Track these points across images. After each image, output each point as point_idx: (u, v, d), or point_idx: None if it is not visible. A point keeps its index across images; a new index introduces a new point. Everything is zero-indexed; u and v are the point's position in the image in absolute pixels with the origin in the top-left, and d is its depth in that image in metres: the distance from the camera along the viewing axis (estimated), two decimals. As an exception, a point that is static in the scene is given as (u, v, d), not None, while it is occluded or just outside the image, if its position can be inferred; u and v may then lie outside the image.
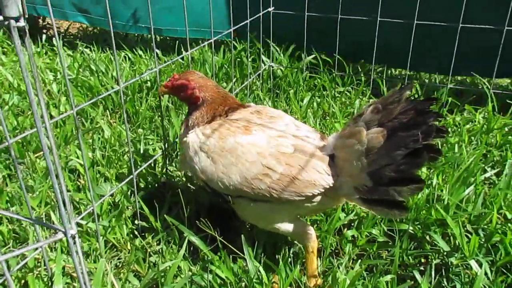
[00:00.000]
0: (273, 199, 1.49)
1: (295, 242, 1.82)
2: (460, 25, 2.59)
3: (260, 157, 1.48)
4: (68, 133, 2.39)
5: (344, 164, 1.43)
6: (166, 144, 2.07)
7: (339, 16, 2.87)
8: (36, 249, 1.44)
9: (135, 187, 1.81)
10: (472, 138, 2.58)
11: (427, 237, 1.85)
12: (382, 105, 1.34)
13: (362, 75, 3.32)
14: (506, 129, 2.61)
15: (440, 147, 1.28)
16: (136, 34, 4.50)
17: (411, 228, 1.83)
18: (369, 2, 3.07)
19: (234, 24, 2.51)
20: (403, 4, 2.85)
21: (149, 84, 3.05)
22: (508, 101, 2.94)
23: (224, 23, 3.61)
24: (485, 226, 1.87)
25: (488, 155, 2.48)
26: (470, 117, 2.87)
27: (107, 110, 2.88)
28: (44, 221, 1.83)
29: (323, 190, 1.47)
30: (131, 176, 1.76)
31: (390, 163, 1.31)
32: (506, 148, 2.45)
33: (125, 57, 3.70)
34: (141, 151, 2.26)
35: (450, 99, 3.02)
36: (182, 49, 3.90)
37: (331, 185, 1.46)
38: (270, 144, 1.51)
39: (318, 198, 1.51)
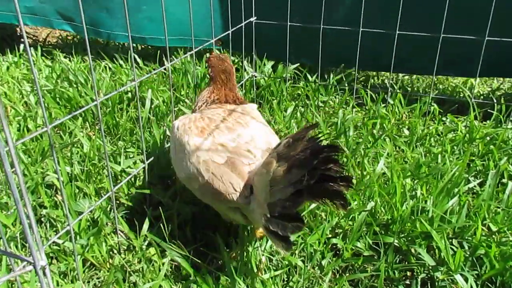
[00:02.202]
0: (201, 198, 1.69)
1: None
2: (442, 35, 2.60)
3: (197, 161, 1.62)
4: (46, 147, 2.32)
5: (257, 190, 1.46)
6: (147, 157, 2.02)
7: (321, 26, 2.86)
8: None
9: (114, 203, 1.75)
10: (455, 147, 2.59)
11: (412, 250, 1.84)
12: (292, 140, 1.34)
13: (346, 84, 3.31)
14: (488, 138, 2.62)
15: (345, 197, 1.29)
16: (117, 43, 4.44)
17: (396, 241, 1.81)
18: (352, 13, 3.08)
19: (217, 34, 2.47)
20: (386, 15, 2.87)
21: (130, 95, 2.99)
22: (489, 110, 2.97)
23: (208, 31, 3.58)
24: (470, 238, 1.86)
25: (471, 165, 2.49)
26: (452, 126, 2.88)
27: (87, 122, 2.81)
28: (19, 240, 1.76)
29: (236, 205, 1.56)
30: (110, 193, 1.70)
31: (283, 197, 1.32)
32: (488, 158, 2.47)
33: (105, 66, 3.63)
34: (121, 164, 2.21)
35: (433, 108, 3.04)
36: (164, 58, 3.86)
37: (243, 203, 1.52)
38: (209, 152, 1.63)
39: (237, 211, 1.61)
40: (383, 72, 3.92)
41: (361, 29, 2.74)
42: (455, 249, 1.80)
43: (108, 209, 1.97)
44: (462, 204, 1.98)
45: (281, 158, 1.33)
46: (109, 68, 3.61)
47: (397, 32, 2.69)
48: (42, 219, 1.94)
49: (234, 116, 1.81)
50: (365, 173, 2.26)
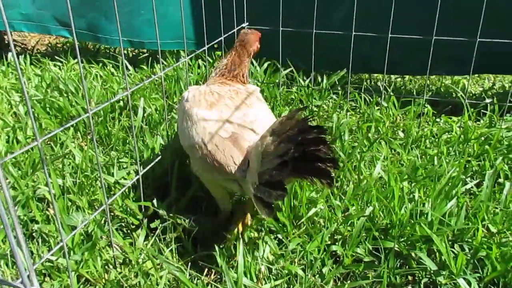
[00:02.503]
0: (201, 167, 1.77)
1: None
2: (434, 37, 2.60)
3: (202, 132, 1.74)
4: (36, 159, 2.27)
5: (251, 162, 1.59)
6: (141, 167, 1.98)
7: (314, 30, 2.84)
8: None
9: (108, 216, 1.71)
10: (450, 148, 2.58)
11: (413, 254, 1.82)
12: (285, 118, 1.48)
13: (339, 88, 3.30)
14: (482, 138, 2.62)
15: (332, 176, 1.43)
16: (107, 50, 4.39)
17: (396, 246, 1.79)
18: (346, 18, 3.08)
19: (209, 38, 2.44)
20: (379, 19, 2.86)
21: (121, 103, 2.95)
22: (483, 111, 2.97)
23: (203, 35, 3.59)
24: (469, 240, 1.85)
25: (467, 166, 2.48)
26: (447, 127, 2.88)
27: (78, 132, 2.76)
28: (9, 259, 1.71)
29: (233, 177, 1.67)
30: (104, 206, 1.66)
31: (270, 167, 1.46)
32: (483, 158, 2.46)
33: (96, 74, 3.58)
34: (114, 176, 2.16)
35: (426, 109, 3.03)
36: (155, 63, 3.82)
37: (240, 176, 1.64)
38: (215, 125, 1.74)
39: (234, 182, 1.71)
40: (375, 75, 3.91)
41: (353, 33, 2.73)
42: (455, 252, 1.78)
43: (102, 222, 1.93)
44: (460, 206, 1.96)
45: (274, 133, 1.46)
46: (100, 76, 3.57)
47: (389, 35, 2.68)
48: (34, 234, 1.89)
49: (241, 96, 1.94)
50: (361, 177, 2.24)
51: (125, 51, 4.44)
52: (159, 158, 2.08)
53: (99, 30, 3.94)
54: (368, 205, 2.05)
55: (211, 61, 3.64)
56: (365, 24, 2.83)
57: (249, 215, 2.00)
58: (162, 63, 3.78)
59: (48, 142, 2.57)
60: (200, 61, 3.72)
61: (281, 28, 2.93)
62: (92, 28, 3.97)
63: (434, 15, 2.53)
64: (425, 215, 1.95)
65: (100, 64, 3.82)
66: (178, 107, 1.96)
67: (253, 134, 1.73)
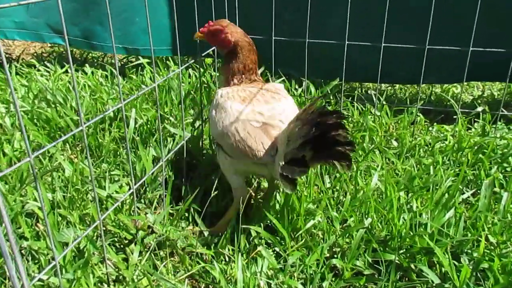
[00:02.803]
0: (231, 152, 1.90)
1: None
2: (427, 46, 2.60)
3: (236, 121, 1.89)
4: (24, 172, 2.20)
5: (279, 145, 1.77)
6: (134, 180, 1.93)
7: (307, 40, 2.83)
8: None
9: (102, 233, 1.65)
10: (444, 158, 2.57)
11: (412, 266, 1.79)
12: (308, 106, 1.67)
13: (331, 97, 3.29)
14: (476, 147, 2.62)
15: (350, 158, 1.60)
16: (94, 60, 4.33)
17: (396, 258, 1.76)
18: (339, 26, 3.07)
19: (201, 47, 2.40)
20: (371, 28, 2.86)
21: (112, 114, 2.89)
22: (475, 119, 2.98)
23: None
24: (469, 251, 1.83)
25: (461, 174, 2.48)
26: (440, 136, 2.88)
27: (67, 144, 2.69)
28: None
29: (262, 161, 1.82)
30: (97, 222, 1.60)
31: (294, 147, 1.64)
32: (478, 167, 2.46)
33: (84, 84, 3.51)
34: (106, 189, 2.10)
35: (419, 118, 3.03)
36: (145, 73, 3.77)
37: (268, 160, 1.80)
38: (248, 116, 1.89)
39: (262, 166, 1.88)
40: (365, 83, 3.92)
41: (346, 42, 2.72)
42: (456, 263, 1.76)
43: (95, 237, 1.87)
44: (458, 216, 1.95)
45: (298, 119, 1.66)
46: (88, 86, 3.50)
47: (383, 44, 2.67)
48: (23, 251, 1.82)
49: (270, 92, 2.06)
50: (358, 187, 2.22)
51: (113, 60, 4.38)
52: (153, 170, 2.03)
53: (94, 37, 3.95)
54: (366, 216, 2.02)
55: (202, 70, 3.60)
56: (358, 34, 2.83)
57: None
58: (152, 72, 3.73)
59: (37, 156, 2.49)
60: (190, 70, 3.68)
61: (273, 38, 2.91)
62: (86, 35, 3.97)
63: (426, 24, 2.54)
64: (423, 226, 1.93)
65: (88, 73, 3.75)
66: (212, 102, 2.08)
67: (280, 123, 1.90)
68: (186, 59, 4.04)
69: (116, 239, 1.94)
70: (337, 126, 1.58)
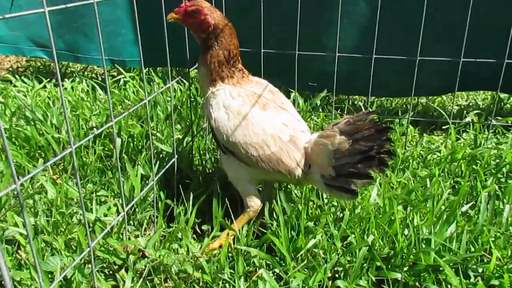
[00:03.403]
0: (254, 164, 1.86)
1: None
2: (418, 58, 2.59)
3: (263, 133, 1.84)
4: (3, 196, 2.06)
5: (317, 158, 1.83)
6: (125, 202, 1.81)
7: (297, 52, 2.78)
8: None
9: (93, 260, 1.53)
10: (438, 169, 2.54)
11: (418, 284, 1.73)
12: (353, 120, 1.77)
13: (320, 110, 3.25)
14: (468, 158, 2.60)
15: (388, 163, 1.76)
16: (74, 74, 4.19)
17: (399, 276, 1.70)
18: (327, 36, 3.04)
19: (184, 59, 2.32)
20: (363, 38, 2.84)
21: (95, 130, 2.76)
22: (469, 130, 2.98)
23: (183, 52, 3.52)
24: (474, 267, 1.78)
25: (456, 186, 2.45)
26: (432, 147, 2.86)
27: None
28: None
29: (294, 177, 1.88)
30: (88, 249, 1.49)
31: (351, 162, 1.73)
32: (474, 178, 2.43)
33: (64, 99, 3.37)
34: (94, 212, 1.98)
35: (409, 129, 3.01)
36: (127, 87, 3.65)
37: (300, 175, 1.87)
38: (274, 127, 1.86)
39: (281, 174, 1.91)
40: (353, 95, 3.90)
41: (337, 54, 2.68)
42: (463, 280, 1.70)
43: (82, 262, 1.74)
44: (460, 231, 1.91)
45: (343, 133, 1.74)
46: (69, 101, 3.36)
47: (374, 56, 2.65)
48: (3, 282, 1.68)
49: (276, 94, 2.03)
50: (356, 203, 2.15)
51: (94, 74, 4.25)
52: (144, 191, 1.92)
53: (78, 49, 3.87)
54: (367, 232, 1.96)
55: (187, 84, 3.51)
56: (349, 46, 2.80)
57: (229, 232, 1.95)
58: (135, 86, 3.62)
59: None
60: (175, 84, 3.58)
61: (262, 50, 2.85)
62: (71, 48, 3.90)
63: (417, 36, 2.53)
64: (426, 241, 1.87)
65: (68, 88, 3.62)
66: (212, 99, 1.91)
67: (303, 134, 1.92)
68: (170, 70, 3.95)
69: (104, 265, 1.82)
70: (389, 140, 1.73)
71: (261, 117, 1.86)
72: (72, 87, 3.63)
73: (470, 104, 3.79)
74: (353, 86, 3.39)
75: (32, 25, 3.90)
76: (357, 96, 3.91)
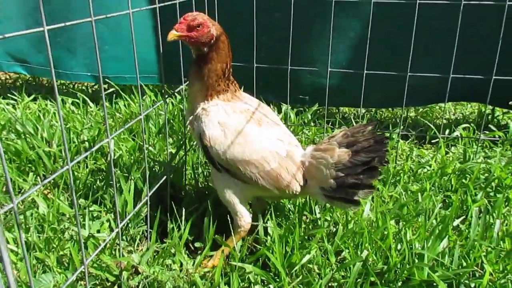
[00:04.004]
0: (252, 182, 1.83)
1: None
2: (408, 73, 2.63)
3: (262, 149, 1.82)
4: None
5: (317, 172, 1.83)
6: (119, 219, 1.80)
7: (289, 67, 2.81)
8: None
9: (87, 278, 1.52)
10: (429, 183, 2.57)
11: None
12: (351, 132, 1.82)
13: (312, 124, 3.27)
14: (458, 172, 2.64)
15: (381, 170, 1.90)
16: (64, 86, 4.16)
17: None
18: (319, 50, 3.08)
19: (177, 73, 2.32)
20: (352, 52, 2.88)
21: (86, 144, 2.74)
22: (458, 145, 3.03)
23: (172, 70, 3.51)
24: (466, 281, 1.80)
25: (447, 200, 2.48)
26: (422, 161, 2.89)
27: (38, 177, 2.53)
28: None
29: (293, 191, 1.89)
30: (82, 267, 1.47)
31: (352, 173, 1.76)
32: (464, 192, 2.46)
33: (54, 112, 3.35)
34: (87, 228, 1.96)
35: (400, 143, 3.05)
36: (118, 100, 3.64)
37: (298, 190, 1.87)
38: (272, 143, 1.85)
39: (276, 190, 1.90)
40: (342, 108, 3.94)
41: (329, 69, 2.72)
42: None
43: (75, 280, 1.72)
44: (452, 245, 1.93)
45: (342, 145, 1.78)
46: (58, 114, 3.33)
47: (365, 71, 2.68)
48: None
49: (268, 111, 2.04)
50: (349, 217, 2.17)
51: (84, 87, 4.23)
52: (138, 207, 1.91)
53: (59, 66, 3.79)
54: (360, 247, 1.97)
55: (179, 97, 3.51)
56: (339, 60, 2.84)
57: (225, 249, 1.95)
58: (126, 99, 3.61)
59: (4, 189, 2.32)
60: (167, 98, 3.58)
61: (255, 65, 2.88)
62: (53, 63, 3.78)
63: (407, 51, 2.58)
64: (419, 256, 1.89)
65: (58, 101, 3.59)
66: (209, 120, 1.83)
67: (297, 148, 1.93)
68: (161, 85, 3.95)
69: (97, 282, 1.80)
70: (387, 151, 1.79)
71: (258, 133, 1.85)
72: (62, 100, 3.61)
73: (458, 118, 3.86)
74: (343, 98, 3.45)
75: (11, 40, 3.82)
76: (347, 110, 3.96)
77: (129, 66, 3.71)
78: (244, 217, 1.93)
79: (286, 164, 1.84)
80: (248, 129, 1.84)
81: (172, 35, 1.79)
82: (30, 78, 4.40)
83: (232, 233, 1.93)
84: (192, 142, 2.75)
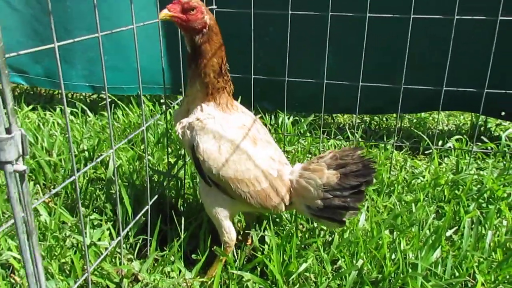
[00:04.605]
0: (241, 199, 1.83)
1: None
2: (403, 86, 2.70)
3: (255, 169, 1.82)
4: (-4, 219, 2.06)
5: (305, 191, 1.85)
6: (121, 228, 1.84)
7: (286, 78, 2.87)
8: None
9: (90, 285, 1.55)
10: (422, 194, 2.63)
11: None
12: (340, 155, 1.86)
13: (308, 134, 3.33)
14: (451, 183, 2.70)
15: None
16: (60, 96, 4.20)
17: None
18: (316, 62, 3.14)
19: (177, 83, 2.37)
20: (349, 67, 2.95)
21: (86, 154, 2.78)
22: (451, 156, 3.09)
23: (170, 79, 3.54)
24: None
25: (440, 211, 2.53)
26: (416, 172, 2.95)
27: (38, 185, 2.56)
28: None
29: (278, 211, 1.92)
30: (85, 275, 1.51)
31: (341, 196, 1.80)
32: (456, 203, 2.52)
33: (53, 122, 3.39)
34: (88, 236, 2.00)
35: (394, 154, 3.11)
36: (117, 109, 3.68)
37: (284, 209, 1.90)
38: (265, 163, 1.86)
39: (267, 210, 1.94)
40: (339, 119, 4.01)
41: (325, 81, 2.78)
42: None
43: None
44: (445, 255, 1.98)
45: (330, 167, 1.82)
46: (58, 124, 3.37)
47: (360, 83, 2.75)
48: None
49: (260, 126, 2.02)
50: (345, 227, 2.21)
51: (82, 96, 4.27)
52: (139, 216, 1.95)
53: (57, 76, 3.78)
54: (356, 256, 2.02)
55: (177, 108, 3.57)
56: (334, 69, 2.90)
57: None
58: (124, 109, 3.65)
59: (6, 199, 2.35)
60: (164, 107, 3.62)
61: (252, 76, 2.93)
62: (50, 74, 3.85)
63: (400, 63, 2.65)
64: (412, 266, 1.94)
65: (57, 110, 3.63)
66: (204, 131, 1.79)
67: (287, 166, 1.95)
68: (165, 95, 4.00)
69: (98, 290, 1.83)
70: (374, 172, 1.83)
71: (253, 152, 1.83)
72: (61, 109, 3.65)
73: (451, 128, 3.93)
74: (337, 106, 3.56)
75: (9, 50, 3.88)
76: (342, 120, 4.02)
77: (127, 77, 3.74)
78: (230, 233, 1.92)
79: (276, 184, 1.85)
80: (243, 147, 1.82)
81: (164, 14, 1.74)
82: (28, 88, 4.44)
83: (221, 250, 1.93)
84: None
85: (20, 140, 0.57)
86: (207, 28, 1.77)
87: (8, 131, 0.70)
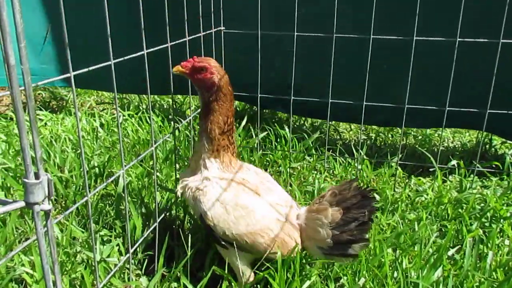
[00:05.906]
0: (260, 251, 1.89)
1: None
2: (406, 106, 2.76)
3: (264, 218, 1.88)
4: (9, 235, 2.13)
5: (315, 233, 1.90)
6: (130, 244, 1.90)
7: (292, 98, 2.94)
8: None
9: (99, 302, 1.61)
10: (426, 212, 2.66)
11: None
12: (338, 190, 1.91)
13: (313, 151, 3.38)
14: (454, 202, 2.74)
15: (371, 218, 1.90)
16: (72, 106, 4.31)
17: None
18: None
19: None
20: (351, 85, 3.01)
21: (97, 170, 2.86)
22: (455, 174, 3.11)
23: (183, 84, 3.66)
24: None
25: (443, 230, 2.57)
26: (420, 190, 2.99)
27: (49, 201, 2.63)
28: None
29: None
30: (96, 291, 1.57)
31: (347, 230, 1.84)
32: (459, 222, 2.55)
33: (65, 138, 3.47)
34: (98, 252, 2.06)
35: (398, 171, 3.15)
36: (127, 124, 3.77)
37: (298, 252, 1.94)
38: (272, 210, 1.92)
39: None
40: (345, 136, 4.06)
41: (330, 101, 2.85)
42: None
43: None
44: (447, 275, 2.01)
45: (332, 204, 1.87)
46: (69, 139, 3.46)
47: (364, 103, 2.81)
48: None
49: (263, 176, 2.11)
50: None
51: (92, 110, 4.37)
52: (148, 232, 2.01)
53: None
54: (358, 274, 2.06)
55: (185, 124, 3.65)
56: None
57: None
58: (133, 124, 3.74)
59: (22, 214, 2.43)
60: (173, 123, 3.71)
61: (259, 95, 3.01)
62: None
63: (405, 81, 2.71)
64: (414, 285, 1.97)
65: (69, 126, 3.73)
66: (206, 198, 1.89)
67: (293, 209, 2.00)
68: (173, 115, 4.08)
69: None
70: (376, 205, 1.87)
71: (258, 202, 1.91)
72: (72, 125, 3.74)
73: (456, 145, 3.96)
74: (343, 115, 3.65)
75: (61, 57, 4.08)
76: (347, 137, 4.08)
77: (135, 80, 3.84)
78: (247, 276, 1.98)
79: (288, 229, 1.91)
80: (247, 200, 1.90)
81: (176, 69, 1.96)
82: (39, 101, 4.56)
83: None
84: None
85: (47, 184, 0.67)
86: (215, 87, 1.91)
87: (37, 176, 0.84)
